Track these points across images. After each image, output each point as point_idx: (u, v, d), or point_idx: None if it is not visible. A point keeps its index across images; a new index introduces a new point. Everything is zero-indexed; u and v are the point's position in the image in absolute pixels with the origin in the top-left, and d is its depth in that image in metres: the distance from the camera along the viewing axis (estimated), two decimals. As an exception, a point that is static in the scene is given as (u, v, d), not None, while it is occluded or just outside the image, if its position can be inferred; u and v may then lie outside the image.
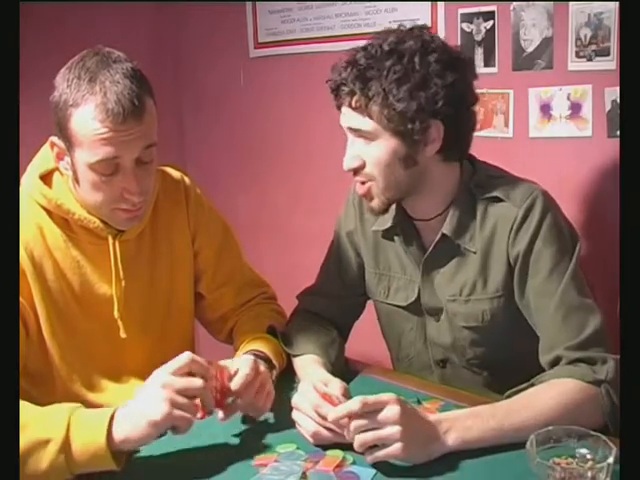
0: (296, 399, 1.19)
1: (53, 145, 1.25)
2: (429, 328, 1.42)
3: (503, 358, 1.33)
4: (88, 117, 1.16)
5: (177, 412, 1.06)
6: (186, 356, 1.12)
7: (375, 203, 1.33)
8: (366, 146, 1.29)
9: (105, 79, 1.16)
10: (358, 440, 1.07)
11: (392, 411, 1.06)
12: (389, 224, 1.41)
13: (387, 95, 1.22)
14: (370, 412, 1.07)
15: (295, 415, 1.19)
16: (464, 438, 1.10)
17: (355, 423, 1.07)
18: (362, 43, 1.31)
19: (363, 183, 1.32)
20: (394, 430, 1.05)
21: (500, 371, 1.38)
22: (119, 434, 1.05)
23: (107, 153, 1.18)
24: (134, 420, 1.06)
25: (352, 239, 1.51)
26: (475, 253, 1.33)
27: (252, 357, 1.26)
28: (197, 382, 1.10)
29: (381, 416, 1.06)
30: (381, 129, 1.25)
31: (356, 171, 1.31)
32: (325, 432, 1.13)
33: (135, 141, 1.19)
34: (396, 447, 1.06)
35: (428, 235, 1.39)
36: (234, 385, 1.17)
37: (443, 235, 1.34)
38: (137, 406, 1.08)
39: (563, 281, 1.24)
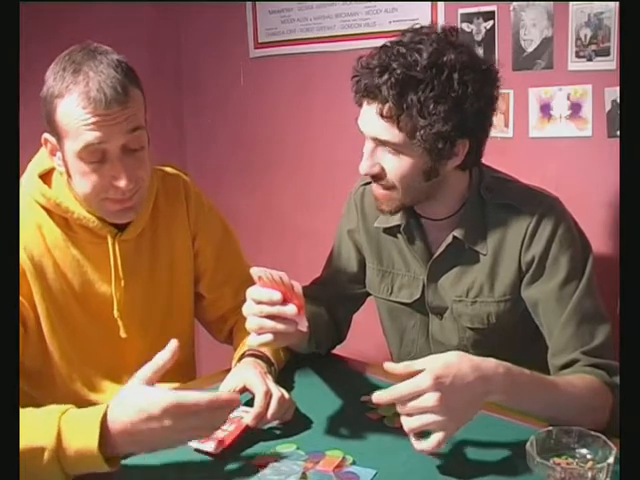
0: (243, 306, 1.17)
1: (46, 141, 1.26)
2: (432, 326, 1.43)
3: (505, 360, 1.33)
4: (72, 106, 1.17)
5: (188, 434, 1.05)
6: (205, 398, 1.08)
7: (389, 207, 1.33)
8: (389, 156, 1.26)
9: (89, 69, 1.18)
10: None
11: (431, 399, 1.00)
12: (395, 222, 1.41)
13: (422, 110, 1.18)
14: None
15: (246, 323, 1.16)
16: (506, 400, 1.08)
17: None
18: (377, 42, 1.28)
19: (380, 186, 1.31)
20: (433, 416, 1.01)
21: None
22: (118, 447, 1.02)
23: (92, 138, 1.18)
24: (137, 439, 1.02)
25: (353, 237, 1.52)
26: (485, 255, 1.34)
27: (262, 388, 1.20)
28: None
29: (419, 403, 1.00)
30: (410, 143, 1.22)
31: (375, 177, 1.30)
32: (268, 323, 1.12)
33: (120, 124, 1.19)
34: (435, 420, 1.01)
35: (434, 234, 1.39)
36: (250, 425, 1.17)
37: (454, 237, 1.34)
38: (141, 426, 1.01)
39: (579, 288, 1.27)
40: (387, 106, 1.20)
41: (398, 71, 1.18)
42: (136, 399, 1.02)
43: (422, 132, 1.19)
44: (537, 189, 1.36)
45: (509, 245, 1.32)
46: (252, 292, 1.15)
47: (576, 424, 1.04)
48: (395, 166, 1.26)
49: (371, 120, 1.24)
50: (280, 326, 1.12)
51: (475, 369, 1.04)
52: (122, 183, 1.22)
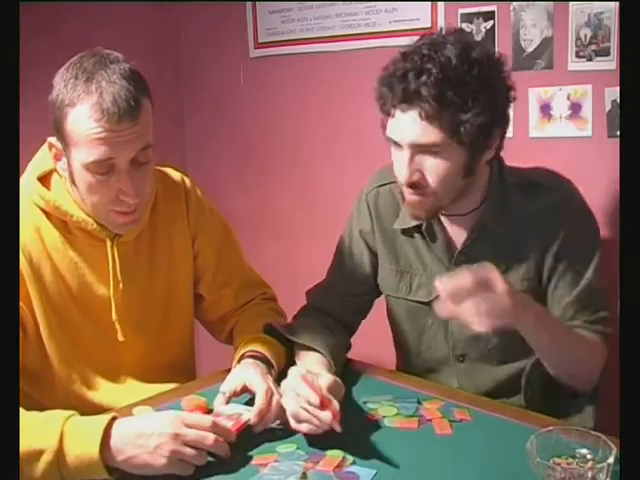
0: (283, 383, 1.22)
1: (51, 146, 1.25)
2: (452, 322, 1.42)
3: (522, 348, 1.33)
4: (84, 116, 1.16)
5: (178, 464, 1.06)
6: (208, 421, 1.11)
7: (427, 213, 1.34)
8: (429, 160, 1.26)
9: (102, 79, 1.16)
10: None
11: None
12: (415, 223, 1.41)
13: (463, 106, 1.21)
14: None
15: (282, 399, 1.20)
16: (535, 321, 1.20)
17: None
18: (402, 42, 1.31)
19: (418, 193, 1.30)
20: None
21: (516, 365, 1.40)
22: (116, 456, 1.04)
23: (102, 153, 1.17)
24: (134, 452, 1.04)
25: (366, 238, 1.51)
26: (510, 238, 1.35)
27: (263, 386, 1.22)
28: (210, 438, 1.08)
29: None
30: (450, 141, 1.23)
31: (414, 185, 1.29)
32: (304, 414, 1.14)
33: (130, 142, 1.19)
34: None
35: (457, 229, 1.40)
36: (253, 422, 1.18)
37: (481, 227, 1.36)
38: (141, 441, 1.05)
39: (592, 268, 1.33)
40: (428, 107, 1.20)
41: (434, 71, 1.20)
42: (143, 422, 1.09)
43: (465, 127, 1.21)
44: (555, 172, 1.41)
45: (533, 222, 1.34)
46: (296, 383, 1.17)
47: (573, 367, 1.29)
48: (436, 169, 1.26)
49: (409, 126, 1.24)
50: (314, 422, 1.13)
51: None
52: (129, 197, 1.22)
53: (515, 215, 1.35)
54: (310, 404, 1.13)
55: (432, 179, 1.27)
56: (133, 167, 1.22)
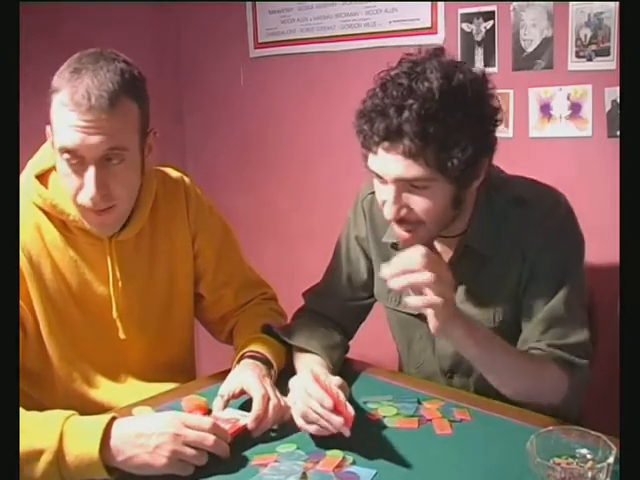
0: (292, 380, 1.22)
1: (49, 133, 1.26)
2: (438, 339, 1.40)
3: None
4: (60, 103, 1.18)
5: (178, 464, 1.06)
6: (208, 423, 1.11)
7: (418, 244, 1.25)
8: (416, 195, 1.20)
9: (86, 72, 1.18)
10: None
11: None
12: None
13: (448, 141, 1.14)
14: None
15: (289, 396, 1.20)
16: (467, 330, 1.14)
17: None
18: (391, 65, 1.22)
19: (406, 228, 1.25)
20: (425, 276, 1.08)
21: None
22: (116, 456, 1.04)
23: (69, 140, 1.17)
24: (134, 451, 1.05)
25: (362, 244, 1.49)
26: (495, 255, 1.31)
27: (260, 391, 1.21)
28: (210, 438, 1.08)
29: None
30: (437, 176, 1.17)
31: (402, 220, 1.23)
32: (313, 414, 1.14)
33: (99, 137, 1.17)
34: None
35: (444, 246, 1.36)
36: (250, 427, 1.18)
37: (466, 246, 1.32)
38: (141, 441, 1.05)
39: (565, 289, 1.26)
40: (412, 144, 1.14)
41: (416, 106, 1.13)
42: (143, 422, 1.09)
43: (452, 162, 1.15)
44: (543, 184, 1.35)
45: (517, 238, 1.30)
46: (308, 385, 1.16)
47: (523, 392, 1.21)
48: (424, 204, 1.20)
49: (393, 162, 1.17)
50: (323, 423, 1.13)
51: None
52: (88, 192, 1.20)
53: (500, 232, 1.31)
54: (323, 407, 1.12)
55: (421, 214, 1.21)
56: (103, 166, 1.20)
